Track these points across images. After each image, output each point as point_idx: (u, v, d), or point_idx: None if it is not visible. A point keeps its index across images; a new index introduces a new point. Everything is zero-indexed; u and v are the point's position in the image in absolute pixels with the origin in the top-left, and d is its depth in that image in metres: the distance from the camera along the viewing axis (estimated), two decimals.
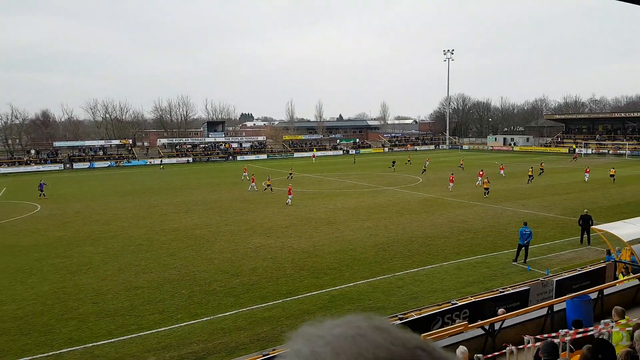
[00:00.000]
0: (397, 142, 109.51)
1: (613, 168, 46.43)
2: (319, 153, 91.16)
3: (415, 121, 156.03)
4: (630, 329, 6.83)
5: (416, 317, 11.73)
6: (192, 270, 19.03)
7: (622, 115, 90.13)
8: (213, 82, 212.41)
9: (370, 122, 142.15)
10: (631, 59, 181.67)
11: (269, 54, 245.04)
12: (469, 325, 10.39)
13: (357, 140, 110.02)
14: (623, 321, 8.55)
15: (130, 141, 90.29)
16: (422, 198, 35.73)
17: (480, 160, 70.97)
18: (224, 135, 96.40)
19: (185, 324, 14.01)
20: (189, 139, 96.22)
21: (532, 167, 46.68)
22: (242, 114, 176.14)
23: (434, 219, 27.99)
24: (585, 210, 23.01)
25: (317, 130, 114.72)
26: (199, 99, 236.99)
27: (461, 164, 58.88)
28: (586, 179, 43.60)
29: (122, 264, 20.18)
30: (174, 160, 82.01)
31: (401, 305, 14.80)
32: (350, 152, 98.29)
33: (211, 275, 18.27)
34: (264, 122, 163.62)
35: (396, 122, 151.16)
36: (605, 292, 12.82)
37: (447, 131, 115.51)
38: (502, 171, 49.70)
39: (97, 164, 77.83)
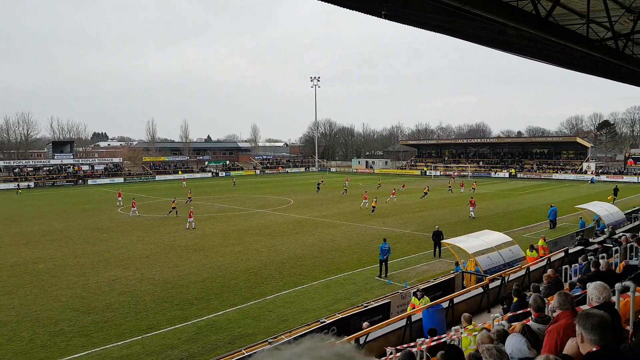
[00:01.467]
0: (268, 165, 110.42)
1: (475, 182, 62.02)
2: (186, 175, 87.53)
3: (286, 144, 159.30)
4: (477, 333, 7.47)
5: (286, 339, 11.56)
6: (35, 309, 16.58)
7: (465, 141, 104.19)
8: (61, 99, 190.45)
9: (240, 144, 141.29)
10: (469, 91, 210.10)
11: (129, 70, 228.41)
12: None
13: (227, 162, 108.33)
14: (470, 326, 9.41)
15: None
16: (293, 219, 36.21)
17: (342, 180, 74.73)
18: (72, 157, 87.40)
19: None
20: (31, 161, 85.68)
21: (427, 187, 54.46)
22: (94, 133, 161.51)
23: (304, 239, 28.45)
24: (437, 226, 25.44)
25: (183, 152, 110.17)
26: (43, 116, 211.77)
27: (379, 184, 63.59)
28: (462, 191, 55.75)
29: None
30: (11, 185, 71.74)
31: (272, 329, 14.54)
32: (219, 175, 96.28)
33: (58, 314, 16.07)
34: (121, 142, 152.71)
35: (267, 144, 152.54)
36: (455, 300, 14.13)
37: (317, 154, 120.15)
38: (402, 188, 58.15)
39: None
